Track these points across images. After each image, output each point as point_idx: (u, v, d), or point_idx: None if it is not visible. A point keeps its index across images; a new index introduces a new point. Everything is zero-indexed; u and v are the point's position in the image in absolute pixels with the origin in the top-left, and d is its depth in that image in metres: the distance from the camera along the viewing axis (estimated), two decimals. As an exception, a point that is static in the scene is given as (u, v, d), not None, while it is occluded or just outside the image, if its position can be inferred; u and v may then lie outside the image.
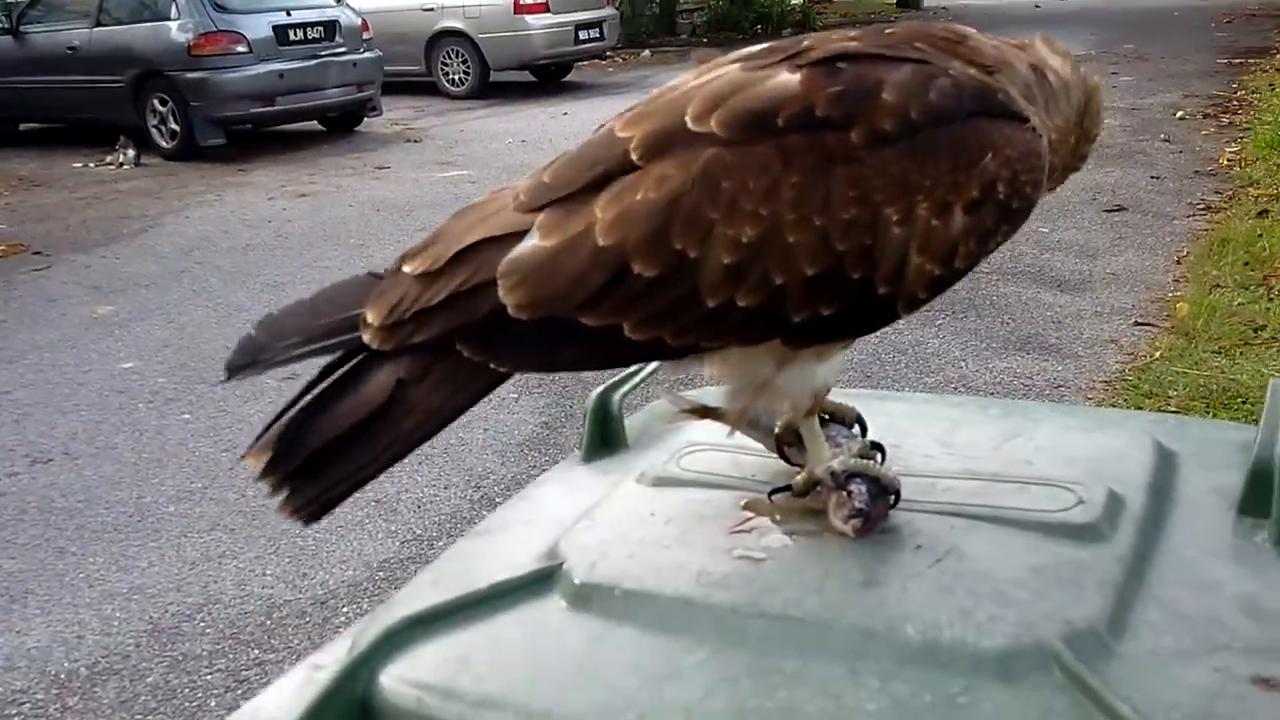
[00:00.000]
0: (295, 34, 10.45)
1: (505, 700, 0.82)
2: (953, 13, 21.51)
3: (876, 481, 0.92)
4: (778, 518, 0.96)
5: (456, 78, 13.22)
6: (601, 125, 0.92)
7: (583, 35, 13.45)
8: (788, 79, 0.87)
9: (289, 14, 10.47)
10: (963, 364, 4.72)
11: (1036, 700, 0.75)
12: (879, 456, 0.98)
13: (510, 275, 0.81)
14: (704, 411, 1.03)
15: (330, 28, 10.80)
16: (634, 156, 0.84)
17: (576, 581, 0.91)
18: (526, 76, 14.10)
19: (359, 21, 11.15)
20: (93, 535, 3.66)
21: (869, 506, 0.90)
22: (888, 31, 0.93)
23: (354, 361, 0.86)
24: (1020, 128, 0.88)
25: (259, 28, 10.19)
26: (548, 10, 13.02)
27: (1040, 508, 0.93)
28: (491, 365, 0.82)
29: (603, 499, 1.03)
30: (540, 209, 0.85)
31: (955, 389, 4.51)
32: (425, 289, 0.83)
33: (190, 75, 9.84)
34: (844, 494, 0.91)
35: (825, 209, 0.82)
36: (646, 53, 17.13)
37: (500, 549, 1.02)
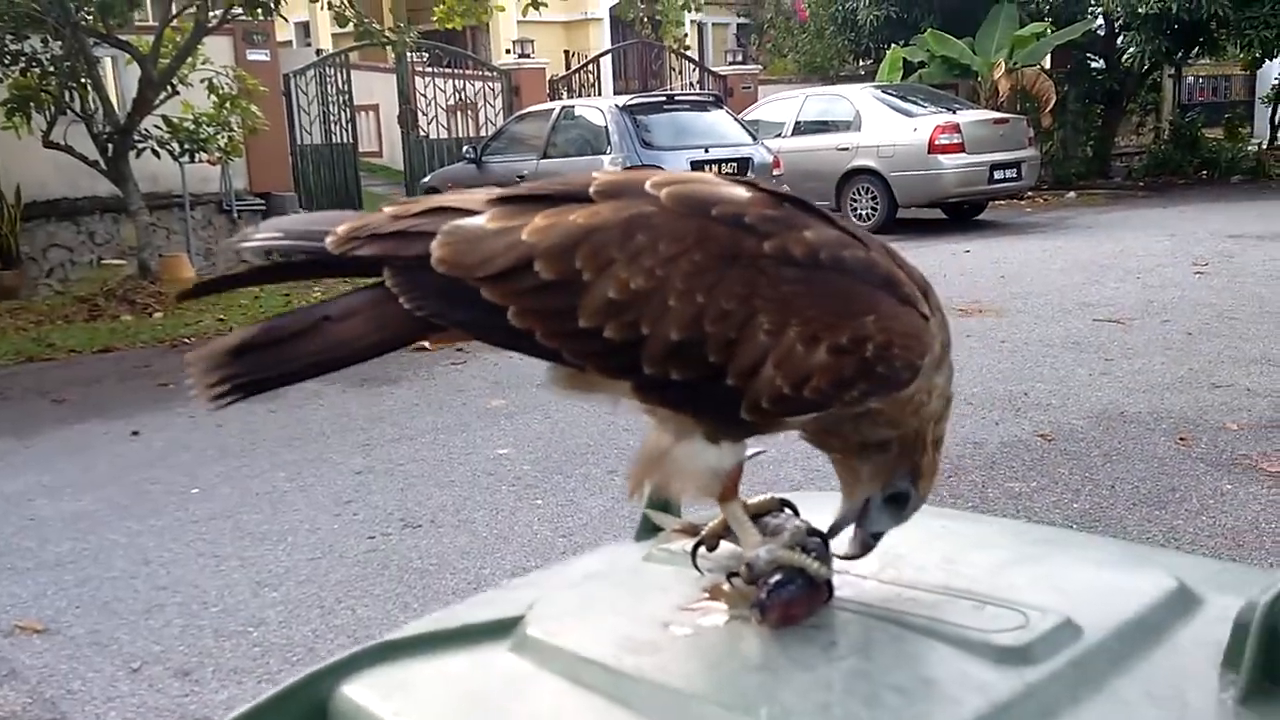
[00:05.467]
0: (711, 169, 11.24)
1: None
2: None
3: (802, 573, 0.94)
4: (725, 601, 0.99)
5: (864, 213, 13.49)
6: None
7: (998, 175, 13.26)
8: (740, 190, 0.96)
9: (706, 150, 11.32)
10: None
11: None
12: (821, 547, 0.99)
13: (447, 234, 0.95)
14: (690, 529, 1.10)
15: (743, 164, 11.52)
16: (591, 190, 0.96)
17: (527, 632, 1.00)
18: (937, 213, 14.09)
19: (770, 159, 11.80)
20: (434, 596, 4.11)
21: (768, 599, 0.92)
22: (866, 234, 1.00)
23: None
24: (914, 313, 0.93)
25: (679, 163, 11.09)
26: (963, 150, 13.00)
27: (979, 626, 0.89)
28: (402, 300, 0.94)
29: (600, 564, 1.12)
30: (502, 202, 0.98)
31: None
32: (387, 223, 0.98)
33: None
34: (762, 583, 0.94)
35: (710, 292, 0.90)
36: (1072, 194, 16.50)
37: (512, 599, 1.13)
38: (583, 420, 6.09)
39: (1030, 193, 15.42)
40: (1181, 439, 4.87)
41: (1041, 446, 4.86)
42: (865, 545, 1.02)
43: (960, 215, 14.12)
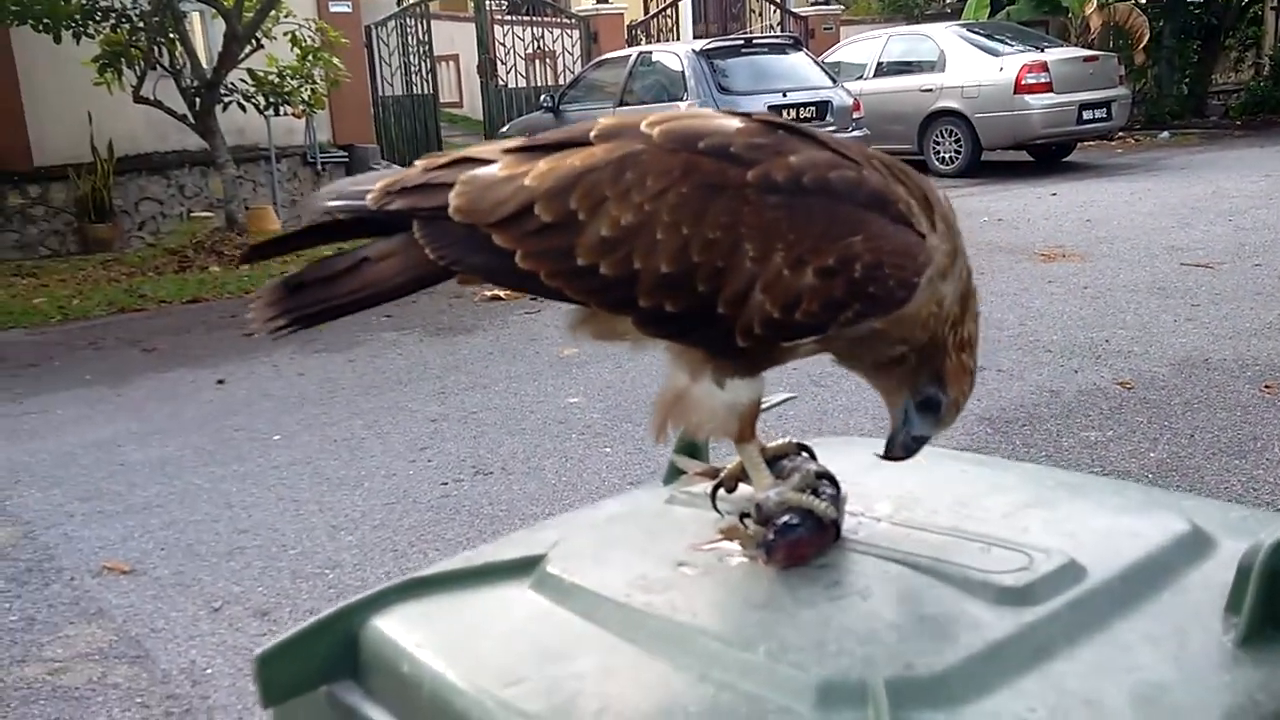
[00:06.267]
0: (789, 113, 11.07)
1: (449, 661, 0.96)
2: None
3: (811, 515, 0.95)
4: (738, 542, 1.01)
5: (947, 156, 13.20)
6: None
7: (1086, 115, 12.83)
8: (732, 121, 0.98)
9: (784, 94, 11.16)
10: None
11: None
12: (832, 490, 1.00)
13: (463, 184, 0.99)
14: (711, 473, 1.12)
15: (822, 108, 11.33)
16: (591, 135, 1.00)
17: (547, 570, 1.04)
18: (1023, 155, 13.72)
19: (850, 101, 11.59)
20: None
21: (775, 539, 0.94)
22: (870, 152, 1.01)
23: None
24: (905, 230, 0.93)
25: (756, 107, 10.91)
26: (1050, 90, 12.61)
27: (983, 567, 0.90)
28: (426, 248, 0.99)
29: (624, 507, 1.14)
30: (515, 151, 1.02)
31: None
32: (416, 176, 1.03)
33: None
34: (770, 524, 0.96)
35: (695, 223, 0.92)
36: (1165, 134, 15.92)
37: (539, 539, 1.16)
38: (653, 369, 6.12)
39: (1121, 133, 14.91)
40: (1267, 387, 4.72)
41: (1120, 395, 4.76)
42: (907, 448, 1.05)
43: (1047, 157, 13.72)
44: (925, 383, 1.02)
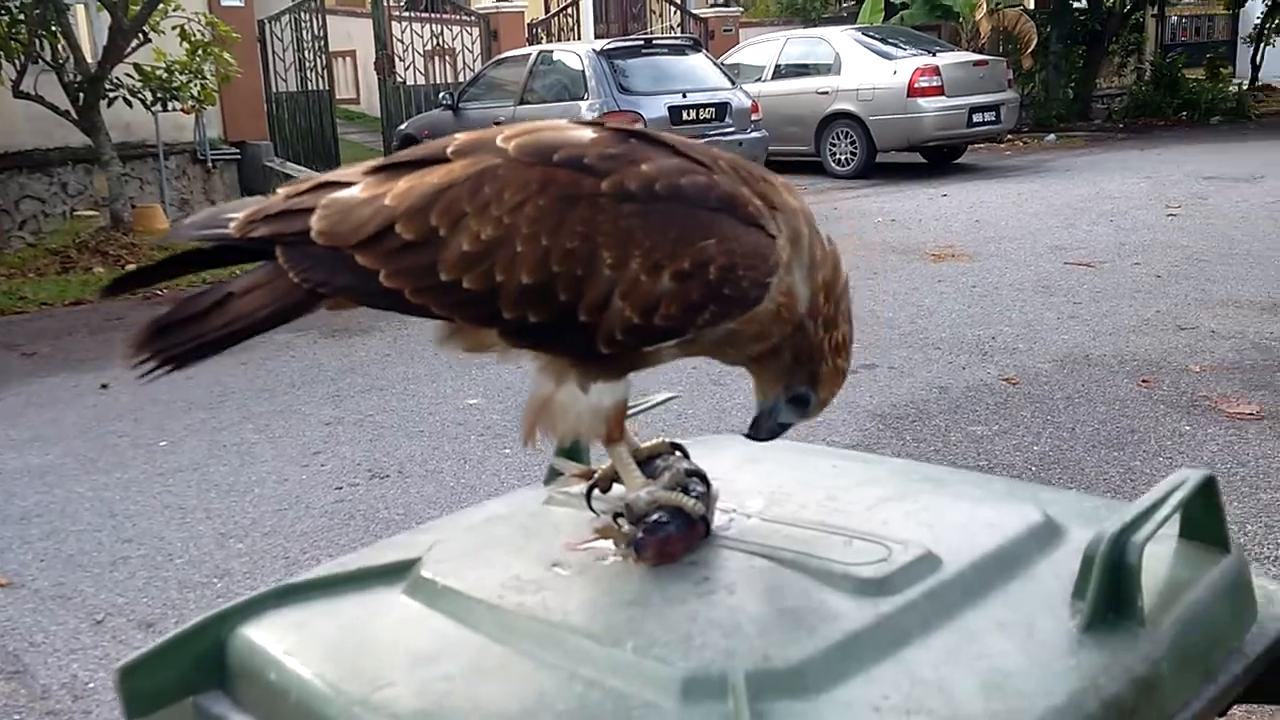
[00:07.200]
0: (688, 114, 11.17)
1: (317, 668, 0.95)
2: None
3: (681, 512, 0.97)
4: (611, 541, 1.02)
5: (843, 157, 13.45)
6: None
7: (976, 118, 13.20)
8: (585, 132, 1.00)
9: (684, 95, 11.24)
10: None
11: (703, 724, 0.78)
12: (703, 488, 1.02)
13: (325, 208, 1.00)
14: (586, 474, 1.14)
15: (721, 109, 11.44)
16: (448, 151, 1.01)
17: (421, 574, 1.03)
18: (916, 157, 14.05)
19: (749, 104, 11.72)
20: (401, 545, 4.16)
21: (644, 538, 0.96)
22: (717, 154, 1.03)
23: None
24: (756, 231, 0.96)
25: (656, 108, 11.00)
26: (942, 93, 12.93)
27: (845, 560, 0.93)
28: (291, 273, 1.00)
29: (505, 508, 1.15)
30: (375, 171, 1.03)
31: None
32: (279, 203, 1.04)
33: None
34: (642, 523, 0.97)
35: (554, 234, 0.94)
36: (1052, 137, 16.46)
37: (415, 542, 1.15)
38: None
39: (1010, 135, 15.36)
40: (1144, 381, 4.92)
41: (1006, 390, 4.91)
42: (772, 432, 1.09)
43: (939, 159, 14.08)
44: (799, 381, 1.05)
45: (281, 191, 1.06)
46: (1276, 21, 22.78)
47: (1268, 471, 3.97)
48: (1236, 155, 13.45)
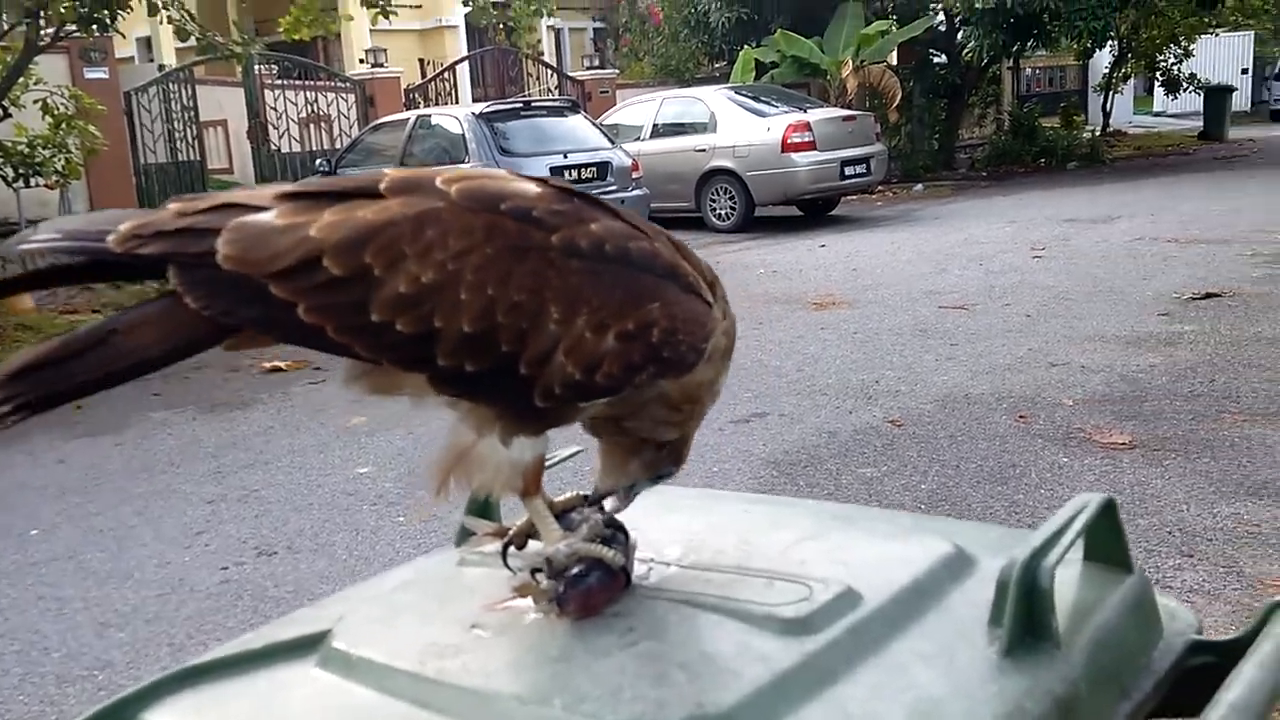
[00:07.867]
0: (570, 174, 11.24)
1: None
2: (1259, 144, 20.06)
3: (601, 564, 0.96)
4: (532, 598, 1.01)
5: (723, 212, 13.71)
6: None
7: (848, 171, 13.62)
8: (529, 185, 1.00)
9: (565, 156, 11.34)
10: (1184, 507, 4.34)
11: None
12: (622, 538, 1.02)
13: (233, 231, 0.94)
14: (500, 532, 1.12)
15: (602, 168, 11.57)
16: (381, 187, 0.97)
17: (333, 645, 1.00)
18: (793, 210, 14.41)
19: (629, 162, 11.88)
20: (294, 622, 4.01)
21: (566, 592, 0.95)
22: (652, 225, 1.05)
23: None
24: (696, 300, 0.99)
25: (538, 168, 11.03)
26: (815, 148, 13.32)
27: (767, 601, 0.93)
28: (188, 299, 0.93)
29: (413, 574, 1.12)
30: (291, 199, 0.98)
31: (1170, 533, 4.15)
32: (172, 220, 0.96)
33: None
34: (562, 577, 0.96)
35: (500, 285, 0.93)
36: (919, 186, 17.08)
37: (323, 615, 1.12)
38: (445, 433, 6.03)
39: (880, 187, 15.88)
40: (1021, 416, 5.09)
41: (891, 432, 5.02)
42: (629, 499, 1.10)
43: (815, 211, 14.46)
44: (667, 464, 1.09)
45: (173, 207, 0.99)
46: (1123, 70, 24.21)
47: (1143, 498, 4.14)
48: (1093, 197, 14.15)
